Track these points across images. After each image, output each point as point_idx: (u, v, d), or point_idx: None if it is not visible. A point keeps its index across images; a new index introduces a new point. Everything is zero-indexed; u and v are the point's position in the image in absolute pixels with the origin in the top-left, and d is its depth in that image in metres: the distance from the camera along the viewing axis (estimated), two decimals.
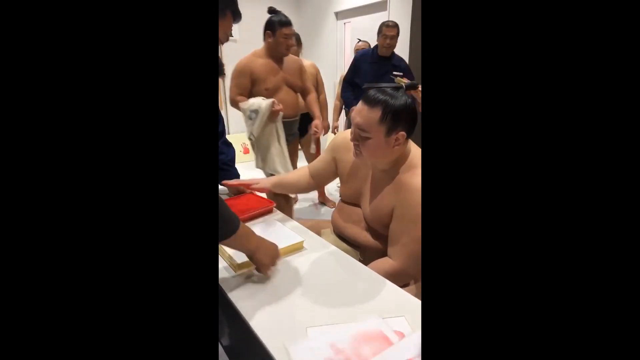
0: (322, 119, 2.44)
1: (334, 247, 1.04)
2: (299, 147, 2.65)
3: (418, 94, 1.93)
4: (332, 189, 3.43)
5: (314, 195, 3.23)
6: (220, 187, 1.45)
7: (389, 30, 2.45)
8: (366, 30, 3.67)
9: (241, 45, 4.05)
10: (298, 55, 2.62)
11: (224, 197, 1.37)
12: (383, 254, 1.05)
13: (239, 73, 2.04)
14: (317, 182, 1.28)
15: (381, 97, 0.94)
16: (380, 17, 3.41)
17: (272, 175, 2.03)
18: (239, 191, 1.40)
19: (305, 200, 3.24)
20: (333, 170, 1.23)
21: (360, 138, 0.98)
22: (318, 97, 2.53)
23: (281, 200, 2.14)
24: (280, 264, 0.95)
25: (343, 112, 3.12)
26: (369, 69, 2.54)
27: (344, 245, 1.19)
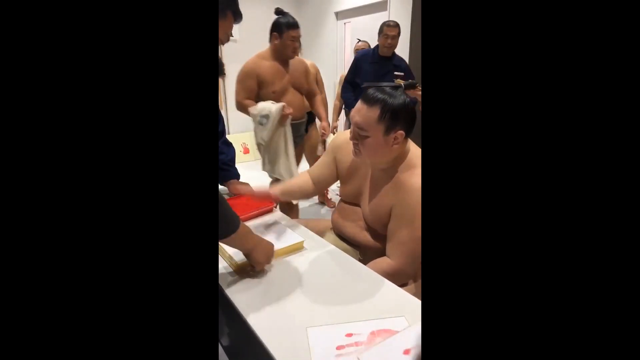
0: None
1: (334, 247, 1.04)
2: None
3: (419, 93, 1.93)
4: (332, 189, 3.43)
5: None
6: (220, 186, 1.45)
7: (390, 30, 2.44)
8: (366, 30, 3.67)
9: (241, 46, 4.05)
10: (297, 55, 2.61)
11: (224, 197, 1.37)
12: (382, 253, 1.05)
13: (245, 76, 1.99)
14: (319, 187, 1.27)
15: (380, 96, 0.94)
16: (380, 17, 3.41)
17: (276, 179, 2.02)
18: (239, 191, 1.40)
19: (305, 200, 3.24)
20: (334, 173, 1.22)
21: (359, 137, 0.98)
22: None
23: (284, 203, 2.13)
24: (280, 263, 0.95)
25: (343, 112, 3.12)
26: (369, 69, 2.53)
27: (344, 244, 1.19)
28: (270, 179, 2.36)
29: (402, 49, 3.04)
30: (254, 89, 2.00)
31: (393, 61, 2.55)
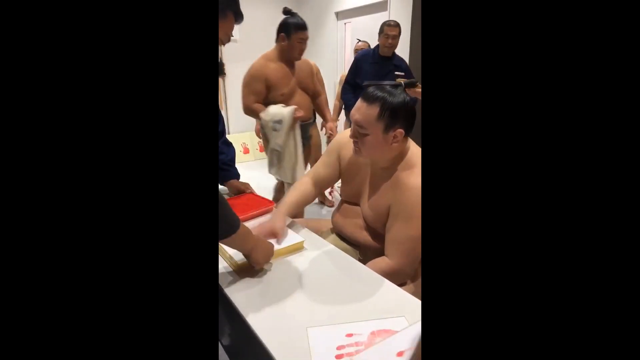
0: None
1: (333, 247, 1.04)
2: None
3: (419, 91, 1.93)
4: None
5: None
6: (220, 186, 1.45)
7: (390, 30, 2.44)
8: (366, 30, 3.67)
9: (241, 46, 4.05)
10: None
11: (224, 197, 1.37)
12: (382, 253, 1.05)
13: (253, 79, 1.92)
14: (320, 188, 1.27)
15: (379, 94, 0.95)
16: (380, 17, 3.41)
17: (281, 181, 2.00)
18: (240, 191, 1.40)
19: None
20: (336, 172, 1.22)
21: (358, 135, 0.99)
22: None
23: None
24: (280, 263, 0.95)
25: (342, 112, 3.12)
26: (370, 69, 2.53)
27: (344, 244, 1.19)
28: (276, 181, 2.35)
29: (403, 49, 3.04)
30: (263, 92, 1.93)
31: (393, 61, 2.56)
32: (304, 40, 1.93)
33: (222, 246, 0.95)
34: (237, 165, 1.50)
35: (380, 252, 1.06)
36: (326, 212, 3.02)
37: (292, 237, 1.04)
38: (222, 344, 1.24)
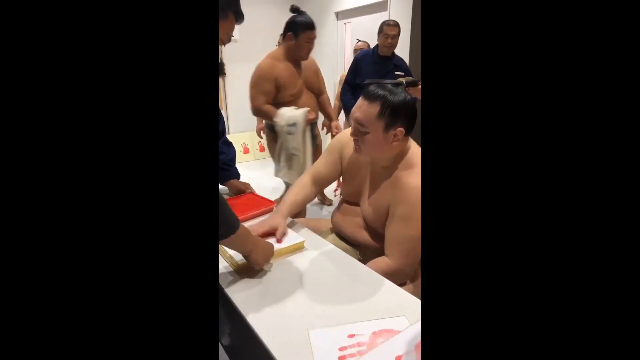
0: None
1: (333, 247, 1.04)
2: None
3: (419, 92, 1.92)
4: (332, 188, 3.43)
5: None
6: (220, 186, 1.45)
7: (390, 30, 2.43)
8: (366, 30, 3.67)
9: (242, 46, 4.06)
10: None
11: (224, 197, 1.37)
12: (382, 253, 1.05)
13: (262, 79, 1.86)
14: (320, 187, 1.27)
15: (380, 92, 0.95)
16: (380, 17, 3.40)
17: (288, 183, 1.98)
18: (240, 191, 1.40)
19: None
20: (337, 171, 1.22)
21: (359, 133, 0.99)
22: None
23: None
24: (280, 263, 0.95)
25: (341, 113, 3.12)
26: (369, 70, 2.53)
27: (343, 244, 1.19)
28: (276, 180, 2.31)
29: (403, 49, 3.04)
30: (272, 92, 1.87)
31: (393, 61, 2.55)
32: (312, 40, 1.87)
33: (222, 246, 0.95)
34: (237, 165, 1.50)
35: (380, 252, 1.06)
36: (326, 212, 3.02)
37: (292, 237, 1.04)
38: (222, 344, 1.24)
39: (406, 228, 0.98)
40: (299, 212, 2.04)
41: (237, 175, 1.46)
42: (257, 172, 3.84)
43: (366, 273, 0.91)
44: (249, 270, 0.91)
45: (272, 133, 2.05)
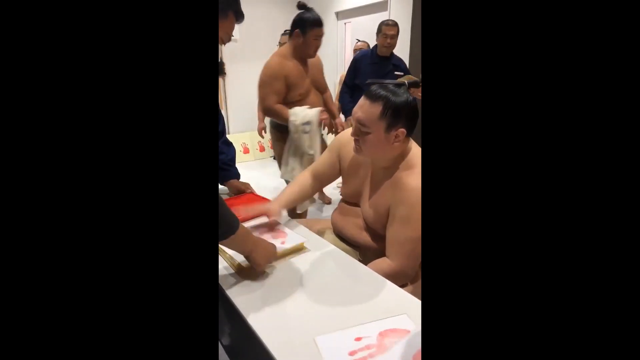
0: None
1: (334, 247, 1.04)
2: None
3: (419, 93, 1.92)
4: (331, 186, 3.42)
5: None
6: (220, 186, 1.45)
7: (388, 29, 2.43)
8: (367, 30, 3.68)
9: (242, 45, 4.06)
10: None
11: (224, 196, 1.37)
12: (382, 254, 1.05)
13: (272, 78, 1.80)
14: (321, 183, 1.27)
15: (383, 92, 0.94)
16: (380, 17, 3.40)
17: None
18: (240, 191, 1.40)
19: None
20: (336, 171, 1.22)
21: (360, 133, 0.98)
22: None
23: (292, 210, 2.07)
24: (280, 264, 0.95)
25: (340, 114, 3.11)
26: (368, 70, 2.53)
27: (343, 245, 1.19)
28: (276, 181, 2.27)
29: (403, 49, 3.04)
30: (283, 91, 1.83)
31: (392, 61, 2.55)
32: (319, 37, 1.81)
33: (222, 247, 0.94)
34: (237, 165, 1.50)
35: (379, 254, 1.06)
36: (327, 213, 3.02)
37: (293, 238, 1.04)
38: (222, 343, 1.24)
39: (407, 229, 0.98)
40: (301, 214, 2.04)
41: (237, 175, 1.46)
42: (257, 172, 3.84)
43: (367, 274, 0.91)
44: (250, 271, 0.90)
45: (278, 133, 2.00)
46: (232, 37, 1.05)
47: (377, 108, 0.94)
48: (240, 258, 0.90)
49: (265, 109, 1.88)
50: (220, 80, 4.10)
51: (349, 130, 1.11)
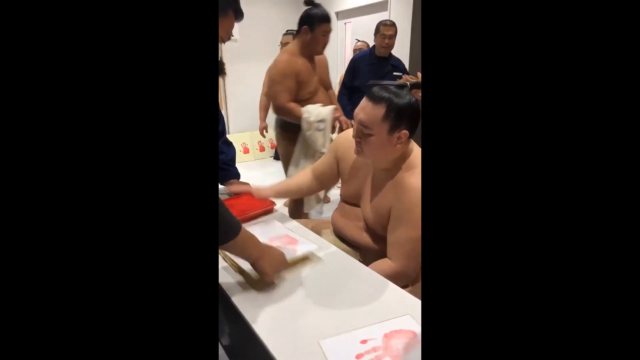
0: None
1: (335, 248, 1.03)
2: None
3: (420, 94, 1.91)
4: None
5: None
6: (220, 186, 1.45)
7: (387, 30, 2.41)
8: (367, 30, 3.67)
9: (242, 45, 4.06)
10: None
11: (223, 197, 1.37)
12: (382, 255, 1.04)
13: (283, 76, 1.76)
14: (322, 183, 1.26)
15: (385, 94, 0.94)
16: (380, 17, 3.39)
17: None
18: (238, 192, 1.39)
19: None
20: (333, 171, 1.22)
21: (362, 135, 0.98)
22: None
23: (294, 210, 2.03)
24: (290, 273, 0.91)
25: None
26: (367, 71, 2.51)
27: (344, 246, 1.19)
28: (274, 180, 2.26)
29: (403, 49, 3.04)
30: (294, 89, 1.77)
31: (390, 61, 2.54)
32: (327, 33, 1.76)
33: (227, 254, 0.89)
34: (237, 165, 1.50)
35: (380, 255, 1.05)
36: (326, 212, 3.02)
37: (304, 246, 0.98)
38: (222, 343, 1.23)
39: (409, 230, 0.97)
40: (300, 215, 2.03)
41: (237, 175, 1.46)
42: (257, 172, 3.83)
43: (368, 274, 0.91)
44: (258, 282, 0.84)
45: (283, 132, 1.96)
46: (232, 37, 1.05)
47: (379, 110, 0.94)
48: (247, 266, 0.85)
49: (277, 108, 1.84)
50: (220, 80, 4.10)
51: (349, 132, 1.11)
